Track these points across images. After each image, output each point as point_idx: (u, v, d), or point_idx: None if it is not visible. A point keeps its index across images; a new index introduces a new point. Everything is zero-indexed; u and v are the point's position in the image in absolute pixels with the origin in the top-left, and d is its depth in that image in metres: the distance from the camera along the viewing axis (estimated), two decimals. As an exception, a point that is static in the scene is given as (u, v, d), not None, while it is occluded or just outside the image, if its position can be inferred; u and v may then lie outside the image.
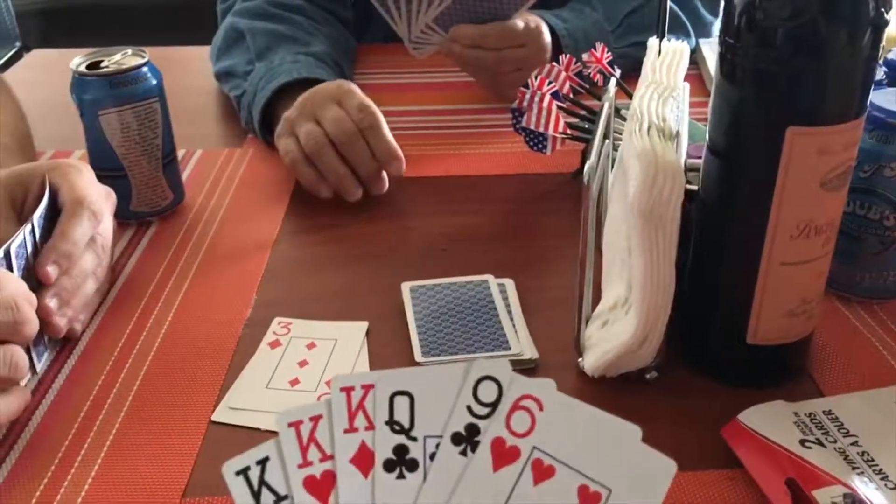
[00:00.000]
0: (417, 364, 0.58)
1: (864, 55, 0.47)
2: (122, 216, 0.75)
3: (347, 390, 0.38)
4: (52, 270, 0.58)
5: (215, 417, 0.55)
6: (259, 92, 0.89)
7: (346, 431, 0.38)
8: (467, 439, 0.38)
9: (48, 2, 2.21)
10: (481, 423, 0.38)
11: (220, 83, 1.02)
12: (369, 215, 0.78)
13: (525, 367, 0.58)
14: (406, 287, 0.65)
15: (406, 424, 0.38)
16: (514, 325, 0.61)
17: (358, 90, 0.81)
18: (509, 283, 0.66)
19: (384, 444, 0.38)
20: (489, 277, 0.66)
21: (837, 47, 0.46)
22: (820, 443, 0.50)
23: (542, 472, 0.37)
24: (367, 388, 0.38)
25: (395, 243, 0.74)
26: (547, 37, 0.94)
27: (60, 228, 0.59)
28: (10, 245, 0.55)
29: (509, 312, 0.63)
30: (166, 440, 0.53)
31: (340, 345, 0.60)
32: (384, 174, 0.79)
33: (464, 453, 0.38)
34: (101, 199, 0.63)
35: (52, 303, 0.57)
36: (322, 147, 0.77)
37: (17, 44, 2.05)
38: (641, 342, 0.53)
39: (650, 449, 0.37)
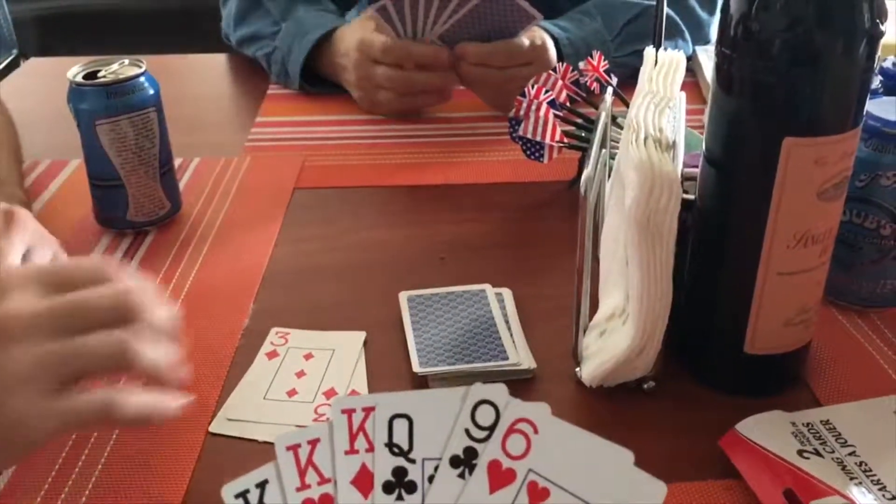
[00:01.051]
0: (415, 374, 0.58)
1: (861, 66, 0.47)
2: (119, 226, 0.75)
3: (349, 412, 0.38)
4: None
5: (213, 429, 0.55)
6: (296, 45, 1.02)
7: (347, 453, 0.38)
8: (465, 462, 0.38)
9: (45, 9, 2.21)
10: (478, 446, 0.38)
11: (241, 48, 1.13)
12: (367, 224, 0.78)
13: (522, 377, 0.58)
14: (403, 297, 0.65)
15: (405, 447, 0.38)
16: (511, 335, 0.61)
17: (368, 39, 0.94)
18: (507, 293, 0.66)
19: (383, 465, 0.38)
20: (486, 287, 0.66)
21: (834, 58, 0.47)
22: (818, 453, 0.50)
23: (537, 494, 0.38)
24: (368, 410, 0.38)
25: (393, 252, 0.74)
26: (552, 53, 0.94)
27: None
28: None
29: (507, 322, 0.63)
30: (164, 451, 0.53)
31: (338, 355, 0.60)
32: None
33: (462, 476, 0.38)
34: None
35: None
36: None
37: (14, 51, 2.04)
38: (639, 352, 0.53)
39: (642, 472, 0.38)
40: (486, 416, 0.38)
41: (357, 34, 0.96)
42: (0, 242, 0.58)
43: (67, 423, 0.42)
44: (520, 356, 0.59)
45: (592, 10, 1.03)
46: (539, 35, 0.94)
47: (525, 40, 0.92)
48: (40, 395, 0.41)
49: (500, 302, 0.65)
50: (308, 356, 0.60)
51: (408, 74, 0.93)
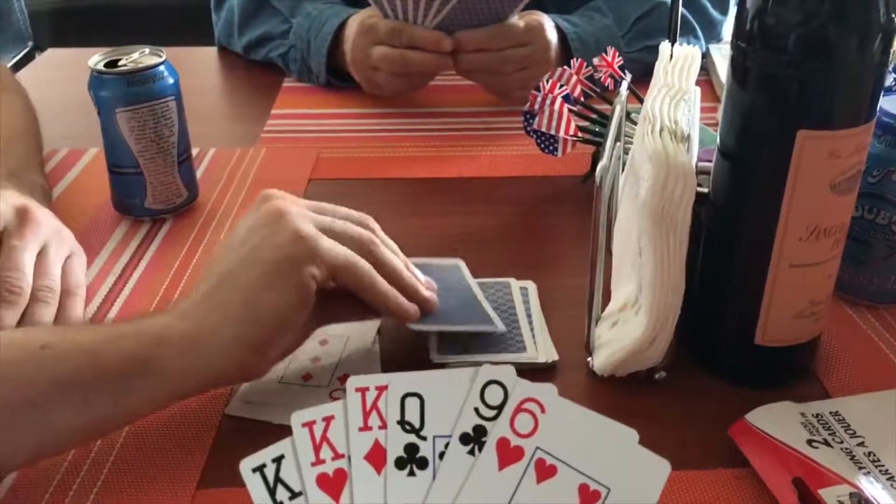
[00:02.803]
0: (431, 363, 0.58)
1: (875, 60, 0.48)
2: (137, 213, 0.76)
3: (362, 391, 0.39)
4: None
5: (229, 411, 0.55)
6: (314, 40, 1.01)
7: (360, 430, 0.39)
8: (475, 439, 0.39)
9: (61, 2, 2.23)
10: (488, 425, 0.39)
11: (248, 54, 1.12)
12: (380, 216, 0.79)
13: (541, 368, 0.59)
14: None
15: (417, 424, 0.40)
16: (532, 329, 0.61)
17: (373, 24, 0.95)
18: (531, 286, 0.67)
19: (396, 442, 0.39)
20: (511, 280, 0.67)
21: (848, 52, 0.47)
22: (827, 443, 0.50)
23: (544, 471, 0.39)
24: (381, 389, 0.40)
25: (406, 244, 0.74)
26: (549, 34, 0.95)
27: None
28: None
29: (529, 315, 0.63)
30: (181, 433, 0.54)
31: (352, 341, 0.61)
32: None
33: (471, 453, 0.39)
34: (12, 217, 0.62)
35: None
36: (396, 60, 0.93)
37: (30, 43, 2.06)
38: (651, 342, 0.54)
39: (646, 450, 0.39)
40: (494, 395, 0.39)
41: (358, 18, 0.97)
42: (12, 241, 0.60)
43: (338, 255, 0.53)
44: (539, 350, 0.59)
45: (603, 7, 1.03)
46: (535, 17, 0.95)
47: (520, 22, 0.93)
48: (316, 228, 0.53)
49: (524, 295, 0.65)
50: (323, 342, 0.61)
51: (403, 53, 0.93)
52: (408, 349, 0.61)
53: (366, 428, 0.39)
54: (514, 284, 0.66)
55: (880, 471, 0.49)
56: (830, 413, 0.53)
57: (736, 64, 0.51)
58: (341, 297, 0.55)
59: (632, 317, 0.56)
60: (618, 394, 0.57)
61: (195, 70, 1.13)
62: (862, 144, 0.50)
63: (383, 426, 0.39)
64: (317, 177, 0.86)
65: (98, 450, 0.53)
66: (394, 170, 0.87)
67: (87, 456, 0.52)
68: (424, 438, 0.39)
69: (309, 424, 0.39)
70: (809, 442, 0.50)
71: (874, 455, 0.50)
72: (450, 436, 0.39)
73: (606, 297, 0.60)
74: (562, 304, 0.65)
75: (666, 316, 0.53)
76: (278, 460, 0.38)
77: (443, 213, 0.79)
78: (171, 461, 0.52)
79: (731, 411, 0.53)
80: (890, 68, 0.65)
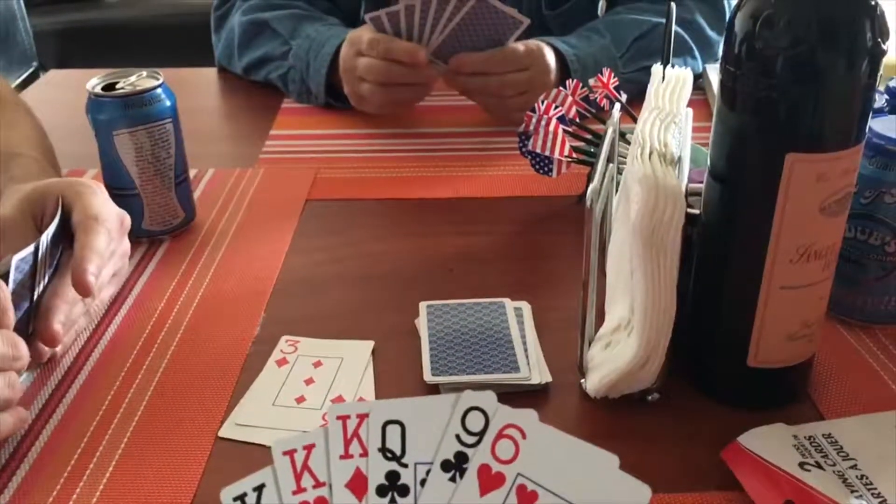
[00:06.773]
0: (425, 383, 0.58)
1: (862, 83, 0.48)
2: (134, 234, 0.76)
3: (343, 418, 0.40)
4: (92, 280, 0.59)
5: (222, 433, 0.56)
6: (313, 60, 1.02)
7: (342, 457, 0.39)
8: (456, 466, 0.39)
9: (65, 22, 2.25)
10: (469, 451, 0.39)
11: (249, 75, 1.13)
12: (377, 236, 0.79)
13: (533, 390, 0.59)
14: (423, 305, 0.66)
15: (398, 452, 0.40)
16: (525, 349, 0.62)
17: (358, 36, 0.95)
18: (525, 307, 0.67)
19: (377, 470, 0.39)
20: (506, 300, 0.67)
21: (835, 75, 0.47)
22: (819, 466, 0.50)
23: (526, 497, 0.39)
24: (362, 416, 0.40)
25: (403, 264, 0.75)
26: (549, 58, 0.95)
27: (82, 243, 0.60)
28: (13, 257, 0.56)
29: (523, 336, 0.63)
30: (174, 455, 0.54)
31: (346, 363, 0.61)
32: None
33: (453, 479, 0.39)
34: (115, 220, 0.64)
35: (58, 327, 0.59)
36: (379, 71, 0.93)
37: (34, 63, 2.08)
38: (643, 364, 0.54)
39: (627, 475, 0.39)
40: (475, 422, 0.40)
41: (350, 35, 0.98)
42: (116, 246, 0.65)
43: None
44: (532, 370, 0.59)
45: (601, 28, 1.04)
46: (534, 42, 0.95)
47: (520, 46, 0.94)
48: None
49: (518, 315, 0.66)
50: (317, 364, 0.61)
51: (387, 64, 0.93)
52: (402, 371, 0.61)
53: (347, 456, 0.39)
54: (509, 305, 0.67)
55: (872, 494, 0.48)
56: (823, 435, 0.53)
57: (725, 87, 0.51)
58: None
59: (624, 338, 0.56)
60: (610, 415, 0.57)
61: (195, 91, 1.14)
62: (851, 167, 0.50)
63: (364, 454, 0.39)
64: (314, 197, 0.86)
65: (91, 471, 0.53)
66: (391, 190, 0.88)
67: (80, 477, 0.52)
68: (406, 466, 0.39)
69: (290, 453, 0.39)
70: (801, 465, 0.50)
71: (867, 478, 0.50)
72: (431, 463, 0.39)
73: (601, 319, 0.60)
74: (556, 324, 0.65)
75: (658, 338, 0.53)
76: (259, 489, 0.38)
77: (439, 233, 0.80)
78: (165, 482, 0.52)
79: (724, 433, 0.53)
80: (881, 89, 0.66)
